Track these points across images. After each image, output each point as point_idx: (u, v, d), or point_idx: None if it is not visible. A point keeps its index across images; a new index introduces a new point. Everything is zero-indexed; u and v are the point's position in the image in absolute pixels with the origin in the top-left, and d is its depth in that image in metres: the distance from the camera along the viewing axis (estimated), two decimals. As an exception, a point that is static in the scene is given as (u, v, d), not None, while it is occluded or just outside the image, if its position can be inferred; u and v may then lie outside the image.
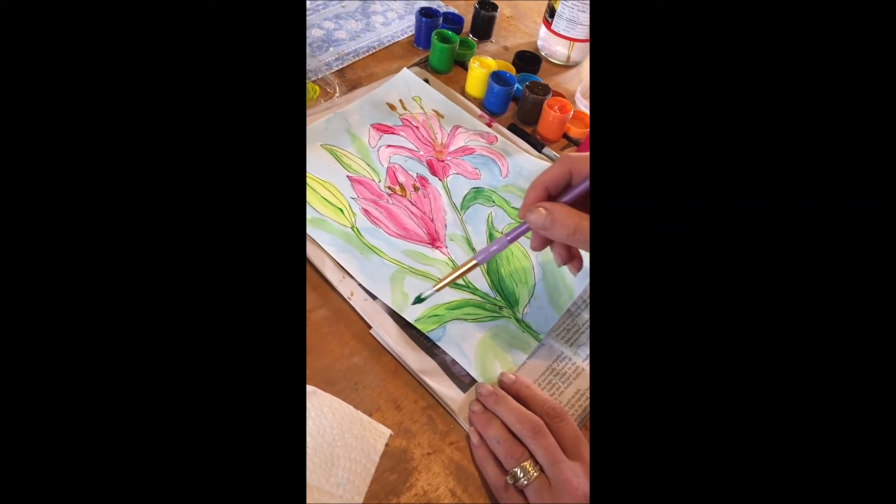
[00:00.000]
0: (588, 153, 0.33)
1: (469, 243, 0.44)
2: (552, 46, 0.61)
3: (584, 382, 0.38)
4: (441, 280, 0.37)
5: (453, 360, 0.37)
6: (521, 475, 0.31)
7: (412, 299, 0.39)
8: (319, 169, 0.45)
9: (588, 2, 0.55)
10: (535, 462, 0.31)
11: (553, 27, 0.59)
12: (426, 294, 0.37)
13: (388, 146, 0.49)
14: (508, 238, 0.36)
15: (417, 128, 0.51)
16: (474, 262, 0.36)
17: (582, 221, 0.31)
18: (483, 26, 0.61)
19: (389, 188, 0.46)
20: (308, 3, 0.61)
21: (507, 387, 0.35)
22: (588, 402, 0.37)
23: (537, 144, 0.52)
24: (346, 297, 0.39)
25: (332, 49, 0.56)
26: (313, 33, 0.57)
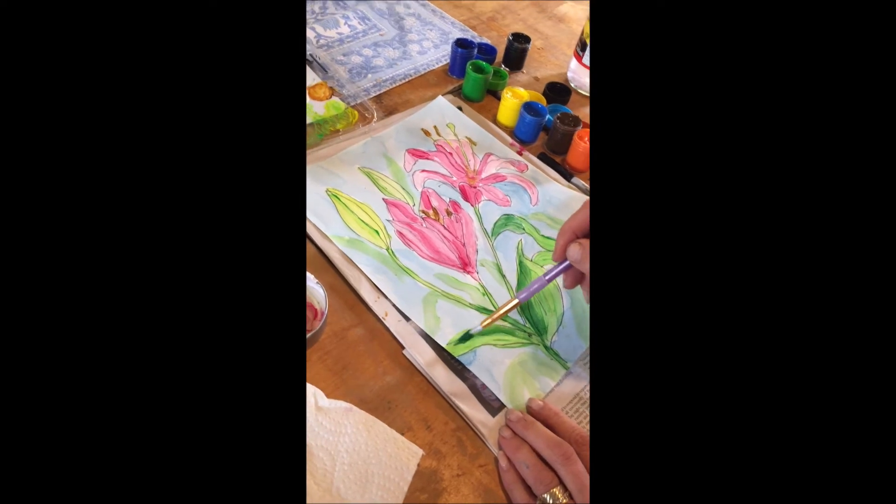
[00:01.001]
0: None
1: (499, 269, 0.45)
2: (582, 79, 0.62)
3: (610, 412, 0.38)
4: (487, 318, 0.39)
5: (483, 384, 0.38)
6: (551, 501, 0.31)
7: (444, 323, 0.40)
8: (356, 191, 0.47)
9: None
10: (565, 488, 0.32)
11: (584, 60, 0.61)
12: (474, 331, 0.40)
13: (423, 171, 0.50)
14: (546, 278, 0.38)
15: (451, 154, 0.52)
16: (517, 300, 0.39)
17: None
18: (515, 57, 0.63)
19: (423, 212, 0.47)
20: (348, 30, 0.63)
21: (536, 413, 0.36)
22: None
23: (566, 174, 0.54)
24: (380, 317, 0.40)
25: (370, 76, 0.58)
26: (353, 59, 0.59)
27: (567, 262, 0.37)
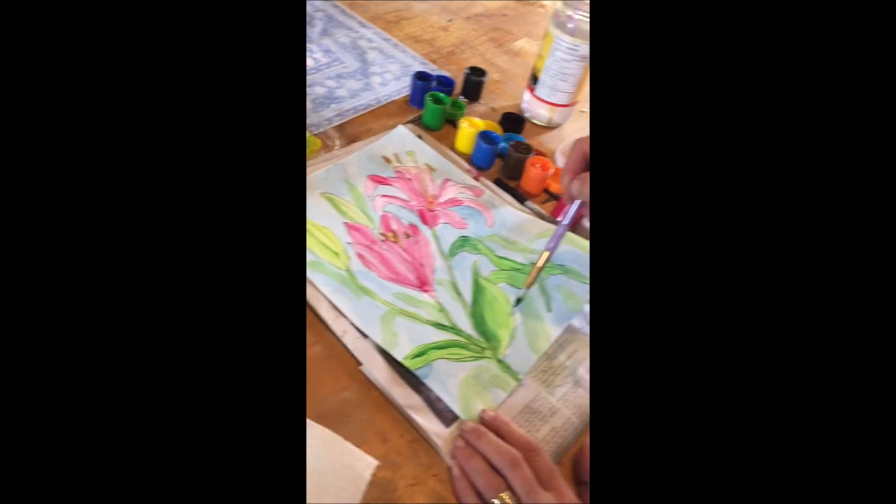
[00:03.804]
0: None
1: (455, 288, 0.47)
2: (535, 109, 0.66)
3: (558, 421, 0.40)
4: (529, 276, 0.45)
5: (438, 396, 0.40)
6: (499, 505, 0.33)
7: (401, 339, 0.42)
8: (318, 215, 0.49)
9: (566, 74, 0.61)
10: (513, 493, 0.34)
11: (536, 93, 0.65)
12: (521, 295, 0.46)
13: (383, 196, 0.53)
14: (565, 223, 0.45)
15: (410, 180, 0.55)
16: (548, 251, 0.45)
17: None
18: (472, 89, 0.67)
19: (383, 235, 0.49)
20: (312, 62, 0.66)
21: (488, 423, 0.38)
22: (562, 438, 0.40)
23: (520, 198, 0.57)
24: (339, 335, 0.42)
25: (333, 106, 0.61)
26: (316, 90, 0.62)
27: (578, 202, 0.43)
